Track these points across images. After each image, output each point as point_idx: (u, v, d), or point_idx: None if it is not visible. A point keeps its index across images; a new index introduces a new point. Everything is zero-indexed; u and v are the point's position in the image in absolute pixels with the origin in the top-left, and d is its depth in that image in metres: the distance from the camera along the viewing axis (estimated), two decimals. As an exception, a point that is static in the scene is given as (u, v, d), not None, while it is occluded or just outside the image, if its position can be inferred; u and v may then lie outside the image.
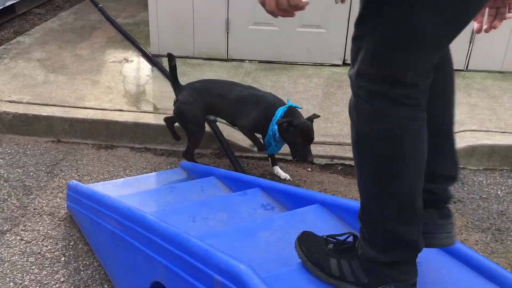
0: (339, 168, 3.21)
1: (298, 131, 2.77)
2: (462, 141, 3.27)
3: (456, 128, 3.50)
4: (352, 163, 3.21)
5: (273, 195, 2.21)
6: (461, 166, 3.24)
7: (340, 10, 4.26)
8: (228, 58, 4.52)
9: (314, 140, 3.36)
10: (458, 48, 4.23)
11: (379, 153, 1.27)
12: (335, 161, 3.24)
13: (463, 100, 3.85)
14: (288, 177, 3.07)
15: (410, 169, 1.27)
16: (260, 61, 4.52)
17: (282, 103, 2.94)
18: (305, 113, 3.65)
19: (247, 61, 4.52)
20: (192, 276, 1.46)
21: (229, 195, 2.33)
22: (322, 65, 4.48)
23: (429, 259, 1.45)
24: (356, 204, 1.79)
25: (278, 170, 3.10)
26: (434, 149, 1.35)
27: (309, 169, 3.18)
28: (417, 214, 1.27)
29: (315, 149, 3.25)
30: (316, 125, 3.48)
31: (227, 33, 4.41)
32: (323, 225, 1.81)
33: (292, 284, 1.30)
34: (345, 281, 1.30)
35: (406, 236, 1.25)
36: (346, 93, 3.95)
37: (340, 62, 4.47)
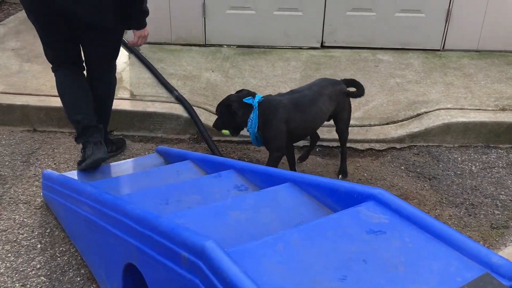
0: (317, 149, 3.23)
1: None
2: (437, 119, 3.31)
3: (432, 106, 3.55)
4: (330, 144, 3.24)
5: (246, 176, 2.23)
6: (437, 144, 3.28)
7: (316, -8, 4.26)
8: (206, 43, 4.50)
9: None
10: (434, 28, 4.28)
11: None
12: (313, 142, 3.25)
13: (439, 79, 3.89)
14: None
15: None
16: (239, 46, 4.50)
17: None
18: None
19: (225, 46, 4.50)
20: (161, 255, 1.47)
21: (203, 177, 2.33)
22: (300, 48, 4.48)
23: (394, 229, 1.48)
24: (325, 180, 1.81)
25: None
26: None
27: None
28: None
29: (292, 131, 3.27)
30: (293, 107, 3.50)
31: (204, 18, 4.38)
32: (294, 202, 1.83)
33: (258, 257, 1.31)
34: None
35: None
36: (323, 76, 3.95)
37: (318, 45, 4.47)
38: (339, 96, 2.79)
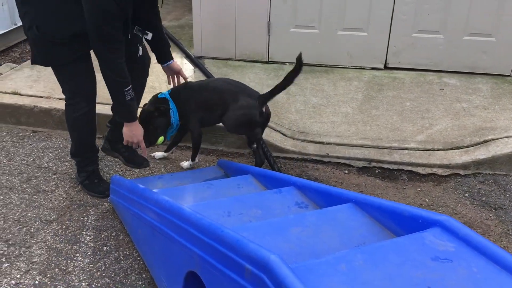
0: (377, 171, 3.19)
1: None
2: (505, 147, 3.19)
3: (500, 133, 3.43)
4: (390, 166, 3.19)
5: (307, 194, 2.24)
6: (504, 173, 3.16)
7: (382, 13, 4.25)
8: (269, 60, 4.58)
9: (351, 143, 3.37)
10: (504, 52, 4.14)
11: None
12: (373, 164, 3.23)
13: (509, 106, 3.75)
14: (185, 164, 3.15)
15: None
16: (301, 64, 4.54)
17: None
18: (344, 116, 3.66)
19: (287, 63, 4.56)
20: (225, 266, 1.51)
21: (264, 192, 2.37)
22: (362, 68, 4.47)
23: (461, 258, 1.45)
24: (389, 203, 1.80)
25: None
26: None
27: (346, 172, 3.18)
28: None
29: (352, 152, 3.26)
30: (355, 128, 3.49)
31: (268, 35, 4.47)
32: (355, 223, 1.82)
33: (320, 275, 1.32)
34: None
35: None
36: (386, 97, 3.93)
37: (382, 66, 4.44)
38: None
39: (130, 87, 2.40)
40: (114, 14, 2.24)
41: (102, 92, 3.80)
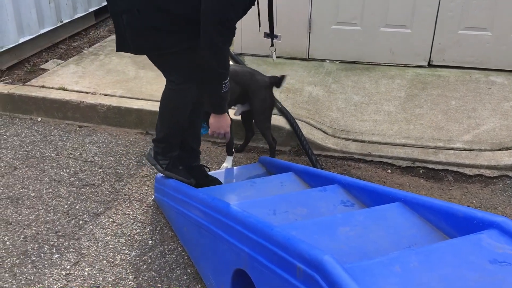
0: (421, 171, 3.13)
1: None
2: (557, 148, 3.07)
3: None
4: (435, 167, 3.12)
5: (352, 192, 2.21)
6: (556, 175, 3.04)
7: (427, 9, 4.16)
8: (309, 57, 4.55)
9: (394, 142, 3.31)
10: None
11: None
12: (417, 164, 3.16)
13: (560, 105, 3.61)
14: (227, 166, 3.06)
15: None
16: (341, 61, 4.50)
17: None
18: (387, 115, 3.60)
19: (328, 60, 4.52)
20: (275, 264, 1.50)
21: (308, 190, 2.35)
22: (405, 66, 4.38)
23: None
24: (441, 203, 1.76)
25: (228, 160, 3.09)
26: None
27: (389, 171, 3.13)
28: None
29: (395, 151, 3.20)
30: (398, 126, 3.43)
31: (309, 32, 4.44)
32: (405, 222, 1.79)
33: (375, 275, 1.31)
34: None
35: None
36: (430, 95, 3.84)
37: (425, 63, 4.34)
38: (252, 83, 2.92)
39: (228, 79, 2.22)
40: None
41: (145, 88, 3.88)
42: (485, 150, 3.18)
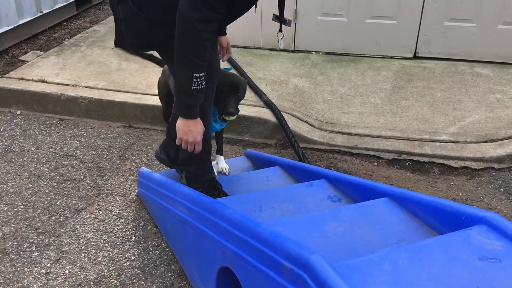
0: (407, 164, 3.12)
1: (225, 83, 2.28)
2: (542, 140, 3.08)
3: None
4: (421, 159, 3.11)
5: (340, 187, 2.18)
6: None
7: (413, 1, 4.13)
8: (295, 49, 4.50)
9: (381, 134, 3.29)
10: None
11: None
12: (403, 156, 3.15)
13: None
14: (226, 168, 2.67)
15: None
16: (327, 53, 4.47)
17: None
18: (373, 107, 3.58)
19: (313, 52, 4.48)
20: (262, 263, 1.46)
21: (295, 185, 2.32)
22: (391, 57, 4.36)
23: (510, 257, 1.38)
24: (429, 198, 1.73)
25: (219, 159, 2.68)
26: None
27: (375, 164, 3.11)
28: None
29: (382, 143, 3.18)
30: (384, 119, 3.41)
31: (295, 24, 4.39)
32: (393, 218, 1.76)
33: (364, 274, 1.27)
34: None
35: None
36: (416, 87, 3.83)
37: (411, 55, 4.33)
38: None
39: (203, 74, 1.81)
40: None
41: (128, 80, 3.80)
42: (471, 142, 3.18)
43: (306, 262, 1.27)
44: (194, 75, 1.78)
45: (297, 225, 1.72)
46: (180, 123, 1.90)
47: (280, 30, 2.34)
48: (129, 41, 2.00)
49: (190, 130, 1.89)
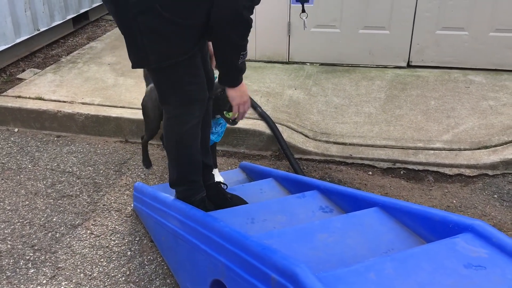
0: (402, 172, 3.13)
1: (218, 85, 2.33)
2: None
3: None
4: (415, 167, 3.13)
5: (331, 198, 2.21)
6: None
7: (404, 10, 4.18)
8: (290, 60, 4.54)
9: (375, 144, 3.31)
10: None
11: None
12: (398, 165, 3.16)
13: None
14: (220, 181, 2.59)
15: None
16: (322, 64, 4.50)
17: None
18: (367, 117, 3.61)
19: (308, 63, 4.52)
20: (250, 275, 1.48)
21: (287, 197, 2.34)
22: (385, 67, 4.40)
23: (494, 264, 1.40)
24: (417, 207, 1.75)
25: (214, 172, 2.65)
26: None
27: (370, 173, 3.13)
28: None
29: (376, 153, 3.20)
30: (378, 128, 3.44)
31: (289, 36, 4.44)
32: (383, 228, 1.78)
33: (349, 284, 1.29)
34: None
35: None
36: (409, 96, 3.85)
37: (404, 64, 4.36)
38: None
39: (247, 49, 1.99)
40: None
41: (124, 96, 3.84)
42: (465, 150, 3.20)
43: (292, 274, 1.29)
44: (241, 53, 1.95)
45: (287, 236, 1.74)
46: (233, 92, 2.04)
47: (303, 11, 2.39)
48: (155, 55, 1.91)
49: (243, 91, 2.06)
